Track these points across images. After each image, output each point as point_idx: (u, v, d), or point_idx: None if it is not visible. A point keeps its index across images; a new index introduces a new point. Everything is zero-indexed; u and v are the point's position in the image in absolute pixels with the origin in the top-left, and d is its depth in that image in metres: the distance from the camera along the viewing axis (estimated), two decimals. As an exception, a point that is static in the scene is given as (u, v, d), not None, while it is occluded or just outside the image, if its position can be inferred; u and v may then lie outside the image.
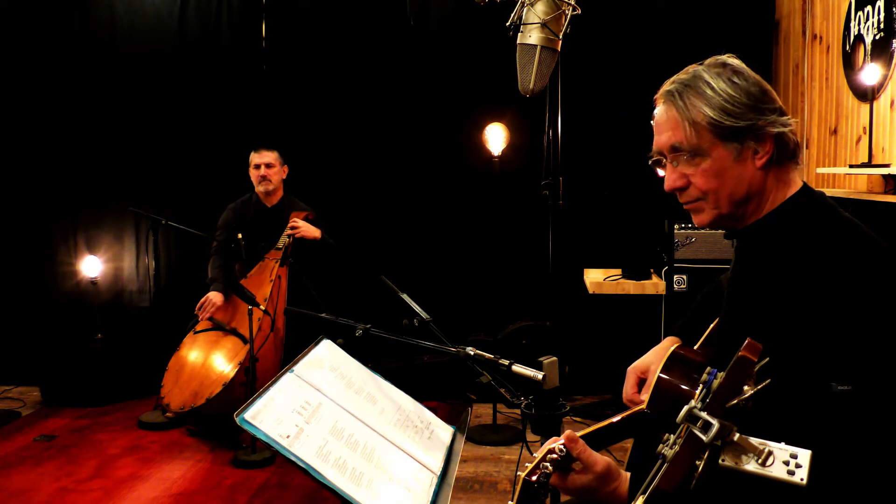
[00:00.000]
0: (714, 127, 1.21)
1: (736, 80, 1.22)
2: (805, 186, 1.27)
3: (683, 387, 1.25)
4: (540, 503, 1.15)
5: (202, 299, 3.95)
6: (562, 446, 1.20)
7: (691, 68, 1.29)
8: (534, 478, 1.15)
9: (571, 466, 1.22)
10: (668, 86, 1.29)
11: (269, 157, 4.14)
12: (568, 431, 1.24)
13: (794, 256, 1.18)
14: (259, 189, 4.16)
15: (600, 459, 1.23)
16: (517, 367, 1.58)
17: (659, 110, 1.29)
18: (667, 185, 1.30)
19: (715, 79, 1.23)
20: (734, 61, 1.27)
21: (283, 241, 4.11)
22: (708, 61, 1.28)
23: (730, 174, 1.23)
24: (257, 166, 4.12)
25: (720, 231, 3.63)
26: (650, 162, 1.34)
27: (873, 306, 1.09)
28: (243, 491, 3.23)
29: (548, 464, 1.16)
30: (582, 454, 1.22)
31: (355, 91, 4.65)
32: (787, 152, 1.24)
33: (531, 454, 1.31)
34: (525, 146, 4.49)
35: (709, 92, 1.22)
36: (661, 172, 1.33)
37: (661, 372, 1.28)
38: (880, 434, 1.06)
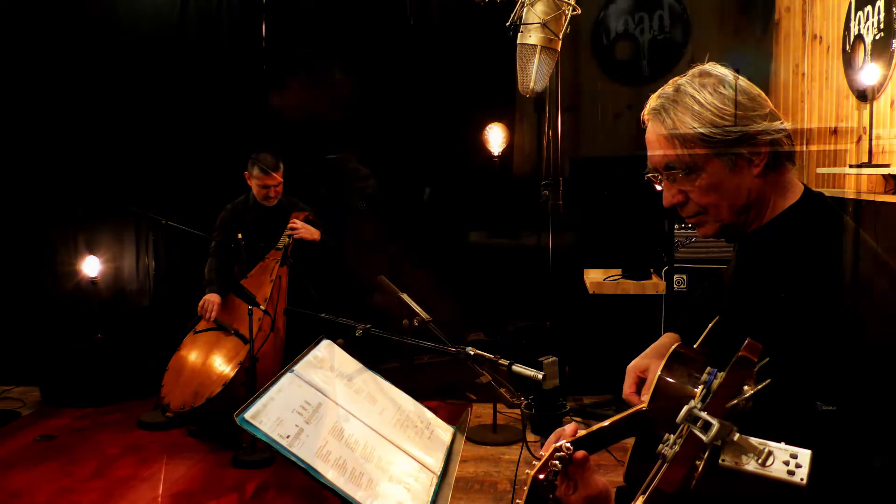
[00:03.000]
0: (705, 142, 1.19)
1: (722, 90, 1.20)
2: (806, 192, 1.26)
3: (684, 386, 1.25)
4: (547, 501, 1.15)
5: (201, 301, 3.94)
6: (568, 444, 1.20)
7: (675, 81, 1.26)
8: (542, 476, 1.15)
9: (570, 474, 1.21)
10: (653, 102, 1.26)
11: (278, 176, 4.07)
12: (571, 424, 1.24)
13: (795, 269, 1.18)
14: (262, 202, 4.12)
15: (599, 481, 1.21)
16: (517, 367, 1.58)
17: (649, 128, 1.28)
18: (665, 202, 1.29)
19: (700, 91, 1.21)
20: (718, 70, 1.24)
21: (283, 241, 4.11)
22: (691, 72, 1.26)
23: (727, 186, 1.22)
24: (265, 186, 4.06)
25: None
26: (646, 177, 1.33)
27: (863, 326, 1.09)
28: (243, 491, 3.23)
29: (556, 461, 1.16)
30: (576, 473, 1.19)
31: (355, 91, 4.65)
32: (782, 156, 1.22)
33: (531, 454, 1.30)
34: (525, 146, 4.49)
35: (696, 107, 1.20)
36: (658, 187, 1.32)
37: (661, 371, 1.28)
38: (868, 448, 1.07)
